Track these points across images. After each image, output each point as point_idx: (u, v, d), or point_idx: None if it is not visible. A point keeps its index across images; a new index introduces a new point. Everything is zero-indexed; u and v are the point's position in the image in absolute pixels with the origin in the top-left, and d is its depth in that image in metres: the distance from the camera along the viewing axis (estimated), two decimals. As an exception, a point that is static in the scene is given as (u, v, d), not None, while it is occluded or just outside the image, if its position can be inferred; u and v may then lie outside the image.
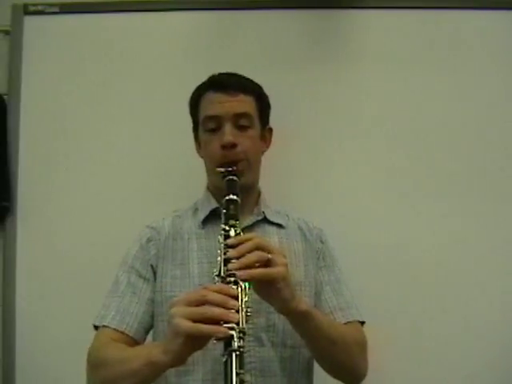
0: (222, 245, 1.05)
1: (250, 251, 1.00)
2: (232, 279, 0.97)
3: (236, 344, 0.89)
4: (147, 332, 1.22)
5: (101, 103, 1.75)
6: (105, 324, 1.16)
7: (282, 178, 1.67)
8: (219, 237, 1.08)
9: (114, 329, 1.15)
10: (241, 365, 0.89)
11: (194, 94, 1.34)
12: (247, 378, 0.99)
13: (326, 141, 1.72)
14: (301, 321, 1.08)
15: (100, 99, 1.75)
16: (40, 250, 1.69)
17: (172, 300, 0.96)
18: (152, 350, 0.98)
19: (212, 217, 1.28)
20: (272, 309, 1.11)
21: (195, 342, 0.92)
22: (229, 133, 1.23)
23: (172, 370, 1.09)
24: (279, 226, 1.32)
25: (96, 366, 1.10)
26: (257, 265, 0.99)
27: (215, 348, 1.08)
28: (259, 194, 1.36)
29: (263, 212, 1.31)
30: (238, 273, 0.97)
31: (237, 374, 0.88)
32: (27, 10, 1.77)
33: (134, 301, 1.19)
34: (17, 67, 1.76)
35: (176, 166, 1.67)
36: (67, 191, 1.72)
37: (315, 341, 1.11)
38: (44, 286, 1.67)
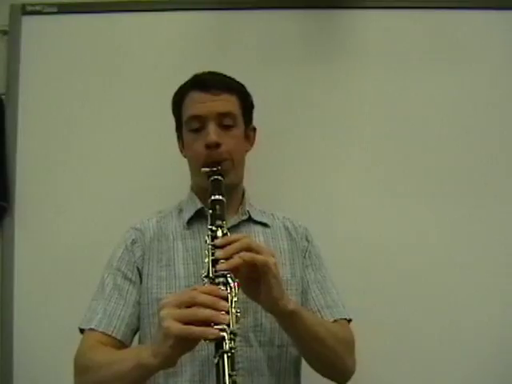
0: (210, 245, 1.04)
1: (238, 252, 1.00)
2: (221, 280, 0.97)
3: (227, 345, 0.89)
4: (134, 334, 1.21)
5: (98, 103, 1.75)
6: (92, 327, 1.15)
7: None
8: (206, 237, 1.07)
9: (102, 332, 1.14)
10: (232, 366, 0.89)
11: (176, 93, 1.33)
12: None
13: (326, 141, 1.73)
14: (289, 320, 1.07)
15: (97, 99, 1.75)
16: (38, 250, 1.69)
17: (161, 302, 0.95)
18: (141, 352, 0.97)
19: (197, 217, 1.28)
20: (259, 308, 1.12)
21: (185, 344, 0.92)
22: (213, 132, 1.22)
23: (160, 372, 1.08)
24: (264, 225, 1.32)
25: (84, 369, 1.09)
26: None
27: (203, 349, 1.09)
28: (243, 194, 1.36)
29: (248, 211, 1.31)
30: (226, 264, 0.97)
31: (229, 375, 0.88)
32: (25, 10, 1.77)
33: (120, 303, 1.18)
34: (15, 67, 1.75)
35: (176, 166, 1.65)
36: (65, 191, 1.72)
37: (303, 340, 1.11)
38: (42, 285, 1.66)
